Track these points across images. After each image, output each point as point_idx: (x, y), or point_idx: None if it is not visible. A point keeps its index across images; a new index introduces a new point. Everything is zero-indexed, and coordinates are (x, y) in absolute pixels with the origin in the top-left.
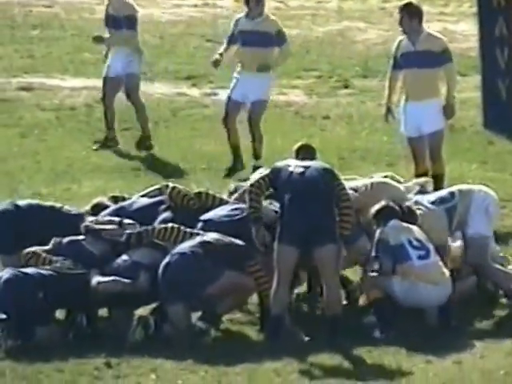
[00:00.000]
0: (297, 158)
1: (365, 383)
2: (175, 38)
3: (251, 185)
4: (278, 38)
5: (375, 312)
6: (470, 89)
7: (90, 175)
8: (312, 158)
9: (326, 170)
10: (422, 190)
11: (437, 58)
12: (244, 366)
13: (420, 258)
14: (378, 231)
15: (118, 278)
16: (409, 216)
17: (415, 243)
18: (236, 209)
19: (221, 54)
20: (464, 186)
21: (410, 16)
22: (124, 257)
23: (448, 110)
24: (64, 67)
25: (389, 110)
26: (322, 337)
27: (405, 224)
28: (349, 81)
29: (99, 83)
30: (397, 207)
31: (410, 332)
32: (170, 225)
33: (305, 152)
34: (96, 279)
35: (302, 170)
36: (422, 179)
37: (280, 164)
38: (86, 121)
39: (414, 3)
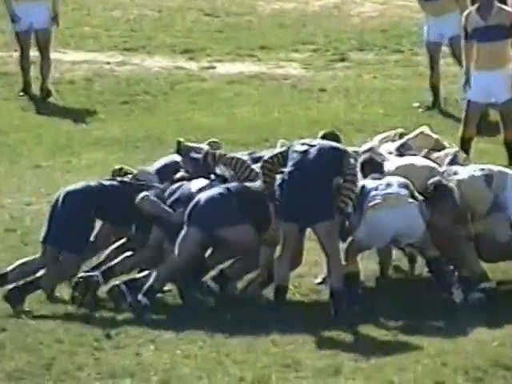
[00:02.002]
0: None
1: (360, 355)
2: (173, 12)
3: (265, 161)
4: None
5: (346, 283)
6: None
7: (90, 148)
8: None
9: (332, 149)
10: (454, 160)
11: (507, 30)
12: (242, 336)
13: (376, 189)
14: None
15: (160, 202)
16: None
17: (378, 181)
18: None
19: None
20: (496, 168)
21: None
22: (186, 185)
23: None
24: (64, 41)
25: (467, 81)
26: (323, 310)
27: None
28: (345, 54)
29: (99, 57)
30: (379, 160)
31: (405, 306)
32: (242, 157)
33: (329, 139)
34: (142, 194)
35: (306, 147)
36: (453, 149)
37: (294, 143)
38: (85, 94)
39: None
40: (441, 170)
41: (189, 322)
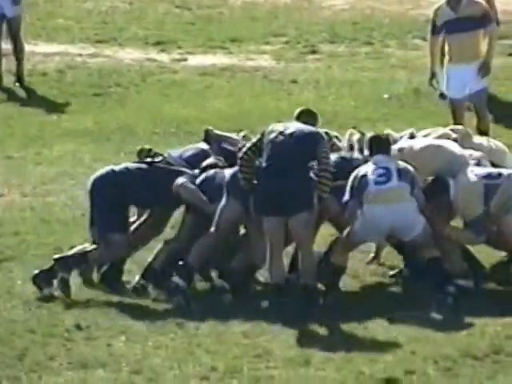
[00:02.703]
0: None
1: (330, 346)
2: (145, 4)
3: (240, 158)
4: None
5: (330, 276)
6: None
7: (62, 139)
8: (313, 123)
9: (308, 135)
10: (478, 164)
11: (478, 22)
12: (213, 327)
13: (376, 183)
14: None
15: (198, 191)
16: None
17: (380, 171)
18: None
19: None
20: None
21: None
22: (221, 174)
23: (484, 68)
24: (36, 33)
25: (433, 76)
26: (295, 303)
27: (387, 158)
28: (316, 46)
29: (71, 49)
30: (389, 139)
31: (375, 297)
32: None
33: (305, 117)
34: (181, 181)
35: (280, 138)
36: (479, 154)
37: (268, 128)
38: (57, 86)
39: None
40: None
41: (160, 313)
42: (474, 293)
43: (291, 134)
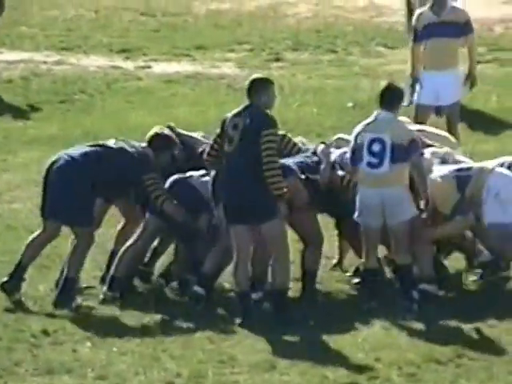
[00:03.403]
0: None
1: (295, 352)
2: (109, 12)
3: (205, 160)
4: None
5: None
6: (397, 61)
7: (27, 146)
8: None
9: (260, 125)
10: (444, 161)
11: (460, 28)
12: (178, 333)
13: (369, 165)
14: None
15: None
16: None
17: (375, 148)
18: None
19: None
20: (488, 165)
21: None
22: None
23: (471, 80)
24: (1, 41)
25: (413, 83)
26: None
27: (387, 119)
28: (280, 54)
29: (36, 56)
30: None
31: (340, 302)
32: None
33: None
34: (162, 197)
35: (237, 123)
36: (443, 149)
37: (225, 117)
38: (23, 93)
39: None
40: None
41: (126, 318)
42: (438, 298)
43: (241, 130)
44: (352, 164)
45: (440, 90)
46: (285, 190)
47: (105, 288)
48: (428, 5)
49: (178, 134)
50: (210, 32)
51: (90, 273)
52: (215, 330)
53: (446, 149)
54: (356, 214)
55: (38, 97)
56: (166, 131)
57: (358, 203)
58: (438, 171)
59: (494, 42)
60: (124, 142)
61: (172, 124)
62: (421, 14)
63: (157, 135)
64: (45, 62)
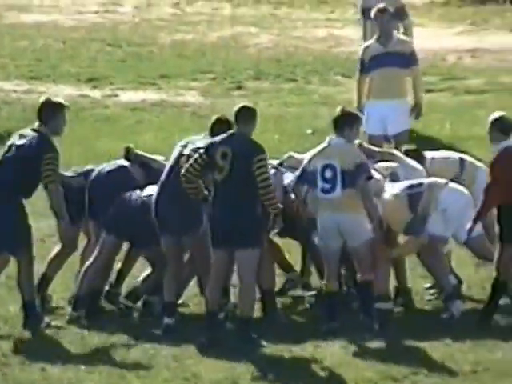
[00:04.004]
0: (211, 133)
1: (257, 369)
2: (77, 43)
3: (186, 169)
4: None
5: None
6: (354, 90)
7: None
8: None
9: (251, 153)
10: (394, 178)
11: (407, 59)
12: (144, 351)
13: (323, 191)
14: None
15: None
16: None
17: (327, 174)
18: None
19: None
20: (440, 181)
21: (389, 19)
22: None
23: (417, 110)
24: None
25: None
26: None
27: (338, 145)
28: (242, 82)
29: (6, 85)
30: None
31: (301, 319)
32: None
33: (219, 127)
34: None
35: (225, 152)
36: (394, 165)
37: (212, 141)
38: None
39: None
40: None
41: (94, 337)
42: (396, 317)
43: (232, 158)
44: (296, 183)
45: (388, 120)
46: (280, 206)
47: (69, 309)
48: (375, 37)
49: (136, 155)
50: (174, 62)
51: (60, 294)
52: (180, 348)
53: (396, 164)
54: (317, 238)
55: (8, 124)
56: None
57: (318, 227)
58: (391, 190)
59: (448, 72)
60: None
61: (131, 145)
62: (367, 46)
63: None
64: (15, 91)
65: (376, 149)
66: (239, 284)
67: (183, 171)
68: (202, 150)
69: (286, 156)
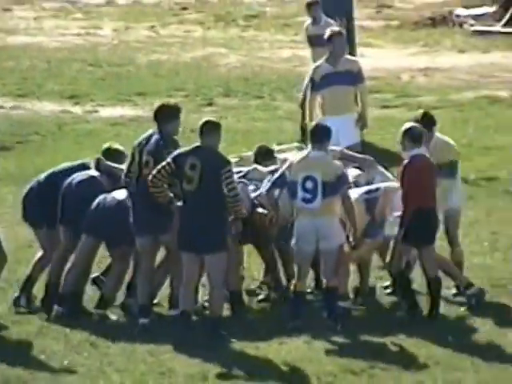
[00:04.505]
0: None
1: (226, 364)
2: (60, 63)
3: (153, 175)
4: None
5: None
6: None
7: None
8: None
9: (219, 164)
10: (356, 183)
11: (354, 77)
12: (123, 347)
13: (303, 200)
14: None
15: None
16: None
17: (308, 185)
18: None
19: None
20: (394, 183)
21: (342, 42)
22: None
23: (362, 122)
24: None
25: (306, 129)
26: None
27: (318, 158)
28: (212, 99)
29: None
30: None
31: (267, 318)
32: None
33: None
34: None
35: (194, 163)
36: (355, 172)
37: (181, 151)
38: None
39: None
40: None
41: (76, 333)
42: (355, 316)
43: (200, 167)
44: (270, 187)
45: (339, 133)
46: (245, 213)
47: (56, 305)
48: (324, 57)
49: (106, 166)
50: (150, 80)
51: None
52: (156, 344)
53: (358, 172)
54: (293, 242)
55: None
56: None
57: (295, 232)
58: (351, 195)
59: (402, 89)
60: None
61: (100, 157)
62: (318, 66)
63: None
64: (2, 107)
65: (357, 155)
66: (209, 286)
67: (150, 177)
68: (169, 159)
69: (250, 168)
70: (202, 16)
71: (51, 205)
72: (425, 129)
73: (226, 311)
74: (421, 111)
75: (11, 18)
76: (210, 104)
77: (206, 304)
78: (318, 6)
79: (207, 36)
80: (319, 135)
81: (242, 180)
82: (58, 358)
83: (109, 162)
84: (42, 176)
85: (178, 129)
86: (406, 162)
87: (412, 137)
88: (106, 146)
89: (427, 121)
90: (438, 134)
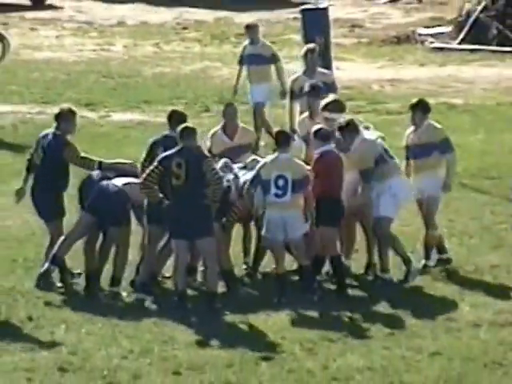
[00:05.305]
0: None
1: (220, 330)
2: (78, 75)
3: (143, 178)
4: None
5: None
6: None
7: (16, 177)
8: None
9: (201, 160)
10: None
11: (329, 87)
12: (131, 319)
13: (276, 195)
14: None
15: None
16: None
17: (279, 183)
18: None
19: None
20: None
21: (315, 56)
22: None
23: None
24: None
25: (293, 132)
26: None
27: (287, 160)
28: (209, 106)
29: (23, 108)
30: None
31: (255, 294)
32: None
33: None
34: None
35: (179, 162)
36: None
37: (166, 154)
38: (12, 136)
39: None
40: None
41: (91, 306)
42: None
43: (183, 161)
44: (249, 187)
45: None
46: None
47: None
48: (301, 70)
49: (106, 165)
50: (155, 90)
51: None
52: (159, 317)
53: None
54: (264, 231)
55: (24, 139)
56: None
57: (265, 223)
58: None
59: (372, 97)
60: None
61: (102, 159)
62: (296, 78)
63: None
64: (29, 113)
65: None
66: (204, 266)
67: (141, 179)
68: (156, 163)
69: (249, 159)
70: (200, 35)
71: None
72: (419, 113)
73: (221, 287)
74: (416, 99)
75: (37, 36)
76: (206, 110)
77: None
78: (256, 28)
79: (204, 52)
80: (285, 140)
81: (236, 174)
82: (77, 327)
83: (108, 161)
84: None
85: None
86: (316, 156)
87: (321, 136)
88: None
89: (421, 107)
90: (429, 120)
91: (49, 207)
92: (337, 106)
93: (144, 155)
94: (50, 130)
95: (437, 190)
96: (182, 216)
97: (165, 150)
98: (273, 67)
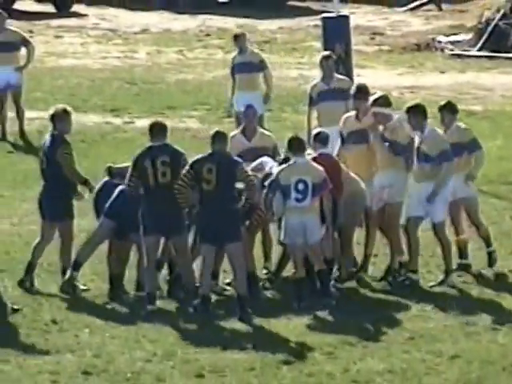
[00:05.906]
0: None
1: (240, 339)
2: (103, 81)
3: (178, 183)
4: None
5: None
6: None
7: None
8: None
9: (232, 166)
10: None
11: (346, 94)
12: (154, 323)
13: (296, 200)
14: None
15: None
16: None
17: (300, 187)
18: None
19: None
20: None
21: (330, 63)
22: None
23: None
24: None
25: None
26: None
27: (305, 164)
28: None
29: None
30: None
31: (277, 298)
32: None
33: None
34: None
35: (210, 167)
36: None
37: (197, 158)
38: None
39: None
40: None
41: (115, 311)
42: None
43: (216, 168)
44: (267, 192)
45: (335, 142)
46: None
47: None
48: (319, 77)
49: (115, 170)
50: (178, 96)
51: (88, 277)
52: (182, 320)
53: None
54: (282, 236)
55: None
56: None
57: (286, 228)
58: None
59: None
60: None
61: (110, 165)
62: (315, 85)
63: None
64: None
65: None
66: (233, 271)
67: (177, 185)
68: (188, 167)
69: (256, 163)
70: (223, 42)
71: None
72: (449, 114)
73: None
74: (444, 101)
75: (62, 43)
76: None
77: (226, 286)
78: (244, 37)
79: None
80: (300, 145)
81: (256, 175)
82: (101, 330)
83: (117, 165)
84: None
85: None
86: (314, 157)
87: (320, 139)
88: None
89: (450, 107)
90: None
91: (56, 208)
92: (386, 101)
93: (130, 170)
94: (49, 133)
95: (471, 191)
96: (212, 221)
97: (152, 161)
98: (261, 75)
